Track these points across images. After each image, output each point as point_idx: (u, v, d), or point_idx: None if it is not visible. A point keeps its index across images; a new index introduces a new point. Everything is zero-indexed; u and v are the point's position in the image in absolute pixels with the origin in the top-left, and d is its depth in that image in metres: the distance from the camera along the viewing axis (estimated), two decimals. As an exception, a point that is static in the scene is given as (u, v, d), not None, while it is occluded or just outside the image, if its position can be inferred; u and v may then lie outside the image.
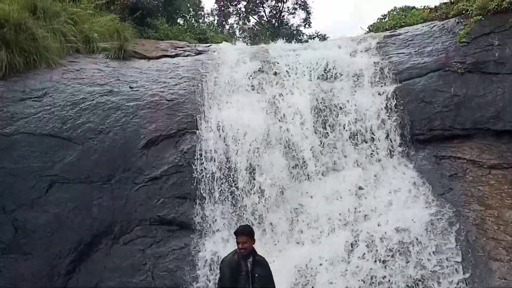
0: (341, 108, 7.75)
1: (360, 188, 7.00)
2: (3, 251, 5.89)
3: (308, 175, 7.24)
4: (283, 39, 10.63)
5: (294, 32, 23.78)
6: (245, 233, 4.92)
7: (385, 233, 6.29)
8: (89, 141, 6.96)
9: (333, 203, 6.92)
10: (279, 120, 7.68)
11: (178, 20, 16.45)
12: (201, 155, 7.04)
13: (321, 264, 6.12)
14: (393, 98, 7.70)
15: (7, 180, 6.33)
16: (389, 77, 8.04)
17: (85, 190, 6.59)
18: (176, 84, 8.16)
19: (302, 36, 23.49)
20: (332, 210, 6.80)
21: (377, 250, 6.12)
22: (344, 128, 7.56)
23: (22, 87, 7.44)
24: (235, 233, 4.99)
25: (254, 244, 4.95)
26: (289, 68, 8.48)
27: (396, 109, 7.60)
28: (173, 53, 9.67)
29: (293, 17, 24.68)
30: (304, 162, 7.30)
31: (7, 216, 6.12)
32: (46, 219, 6.19)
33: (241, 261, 4.82)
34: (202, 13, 22.85)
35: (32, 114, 7.04)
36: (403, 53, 8.47)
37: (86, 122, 7.14)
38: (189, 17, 19.35)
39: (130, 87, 7.93)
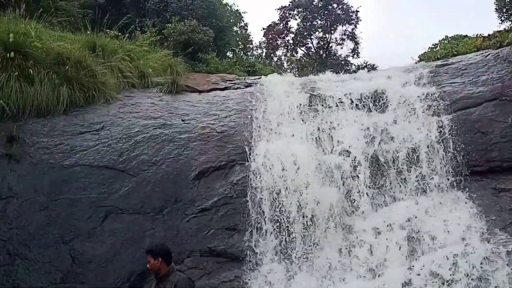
0: (392, 139, 7.62)
1: (414, 220, 6.79)
2: (60, 280, 6.09)
3: (359, 207, 7.10)
4: (331, 70, 10.61)
5: (342, 62, 23.78)
6: (146, 252, 4.81)
7: (441, 267, 6.04)
8: (143, 172, 7.17)
9: (386, 236, 6.74)
10: (328, 152, 7.64)
11: (228, 54, 16.88)
12: (250, 186, 7.09)
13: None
14: (447, 129, 7.51)
15: (66, 210, 6.60)
16: (443, 107, 7.86)
17: (138, 220, 6.76)
18: (226, 117, 8.31)
19: (351, 66, 23.44)
20: (386, 243, 6.63)
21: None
22: (396, 159, 7.41)
23: (82, 121, 7.81)
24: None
25: (161, 265, 4.67)
26: (338, 99, 8.45)
27: (451, 140, 7.39)
28: (223, 86, 9.89)
29: (341, 48, 24.72)
30: (355, 194, 7.18)
31: (65, 246, 6.35)
32: (102, 249, 6.38)
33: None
34: (251, 46, 23.36)
35: (90, 147, 7.35)
36: (457, 82, 8.27)
37: (141, 154, 7.37)
38: (238, 50, 19.81)
39: (182, 120, 8.16)
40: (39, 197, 6.67)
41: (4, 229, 6.34)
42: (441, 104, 7.90)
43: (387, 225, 6.83)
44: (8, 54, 7.66)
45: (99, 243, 6.43)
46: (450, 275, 5.93)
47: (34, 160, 7.00)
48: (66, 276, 6.14)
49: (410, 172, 7.31)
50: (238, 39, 19.97)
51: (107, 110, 8.20)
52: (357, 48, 24.21)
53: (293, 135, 7.89)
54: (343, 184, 7.27)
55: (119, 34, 10.62)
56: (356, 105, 8.29)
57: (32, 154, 7.05)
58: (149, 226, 6.70)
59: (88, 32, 9.71)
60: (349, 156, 7.53)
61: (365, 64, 22.92)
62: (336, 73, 10.19)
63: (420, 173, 7.28)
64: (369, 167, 7.40)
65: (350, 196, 7.20)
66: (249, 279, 6.36)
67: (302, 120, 8.27)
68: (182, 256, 6.51)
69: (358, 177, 7.30)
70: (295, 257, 6.66)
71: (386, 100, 8.23)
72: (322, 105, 8.43)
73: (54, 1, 11.47)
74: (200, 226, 6.75)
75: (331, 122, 8.07)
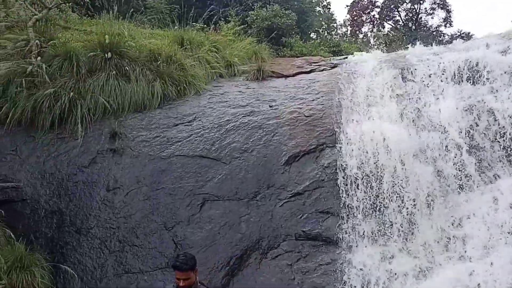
0: (493, 113, 7.08)
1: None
2: (166, 264, 6.46)
3: (459, 187, 6.73)
4: (422, 43, 10.07)
5: (434, 33, 22.50)
6: (186, 269, 4.19)
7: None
8: (235, 160, 7.35)
9: (489, 215, 6.33)
10: (422, 130, 7.29)
11: (312, 35, 16.69)
12: (342, 169, 6.99)
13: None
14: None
15: (167, 199, 6.97)
16: (551, 74, 7.14)
17: (233, 206, 6.95)
18: (313, 100, 8.24)
19: (443, 37, 22.12)
20: (490, 222, 6.24)
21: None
22: (498, 135, 6.89)
23: (175, 114, 8.17)
24: (173, 267, 4.27)
25: (197, 274, 4.27)
26: (431, 73, 8.01)
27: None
28: (309, 69, 9.81)
29: (432, 18, 23.39)
30: (452, 172, 6.81)
31: (168, 233, 6.72)
32: (201, 235, 6.66)
33: None
34: (335, 25, 22.87)
35: (184, 138, 7.68)
36: None
37: (232, 142, 7.56)
38: (322, 31, 19.50)
39: (270, 106, 8.22)
40: (142, 188, 7.10)
41: (113, 218, 6.85)
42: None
43: (490, 204, 6.41)
44: (105, 55, 8.20)
45: (198, 229, 6.72)
46: None
47: (135, 153, 7.46)
48: (171, 261, 6.50)
49: (515, 147, 6.77)
50: (321, 19, 19.66)
51: (198, 101, 8.50)
52: (449, 16, 22.81)
53: (384, 115, 7.63)
54: (439, 163, 6.91)
55: (205, 26, 10.96)
56: (452, 78, 7.79)
57: (133, 148, 7.51)
58: (244, 212, 6.87)
59: (176, 27, 10.11)
60: (444, 133, 7.13)
61: (459, 33, 21.51)
62: (428, 46, 9.64)
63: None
64: (466, 144, 6.96)
65: (447, 174, 6.83)
66: (346, 262, 6.32)
67: (393, 98, 7.94)
68: (278, 240, 6.61)
69: (455, 155, 6.90)
70: (391, 239, 6.49)
71: (485, 71, 7.63)
72: (414, 81, 8.04)
73: (143, 0, 12.08)
74: (293, 210, 6.80)
75: (424, 99, 7.67)
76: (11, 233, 6.48)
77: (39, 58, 7.94)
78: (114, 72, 8.09)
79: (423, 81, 7.97)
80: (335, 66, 9.58)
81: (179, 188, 7.06)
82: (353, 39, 22.90)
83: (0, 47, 8.01)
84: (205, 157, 7.39)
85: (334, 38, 18.26)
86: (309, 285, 6.17)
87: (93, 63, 8.20)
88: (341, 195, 6.79)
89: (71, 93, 7.61)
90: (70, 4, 10.58)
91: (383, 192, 6.72)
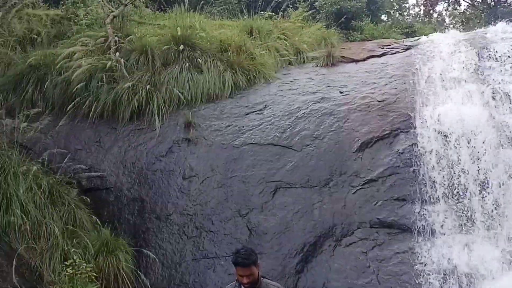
0: None
1: None
2: (241, 250, 6.62)
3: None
4: (503, 20, 9.44)
5: (517, 8, 20.95)
6: (248, 265, 3.91)
7: None
8: (306, 147, 7.33)
9: None
10: (504, 112, 6.88)
11: (382, 17, 16.17)
12: (418, 155, 6.77)
13: None
14: None
15: (240, 186, 7.11)
16: None
17: (305, 194, 6.96)
18: (386, 84, 8.02)
19: (529, 12, 20.53)
20: None
21: None
22: None
23: (246, 103, 8.27)
24: (234, 263, 4.00)
25: (259, 269, 4.01)
26: (515, 52, 7.52)
27: None
28: (380, 52, 9.54)
29: (515, -8, 21.76)
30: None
31: (242, 219, 6.86)
32: (274, 222, 6.74)
33: None
34: (407, 5, 21.95)
35: (255, 126, 7.77)
36: None
37: (302, 129, 7.54)
38: (393, 12, 18.82)
39: (341, 92, 8.10)
40: (216, 176, 7.29)
41: (190, 205, 7.10)
42: None
43: None
44: (178, 48, 8.45)
45: (271, 216, 6.81)
46: None
47: (209, 142, 7.66)
48: (245, 247, 6.64)
49: None
50: (392, 0, 18.94)
51: (268, 89, 8.54)
52: (535, -11, 21.06)
53: (462, 97, 7.27)
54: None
55: (273, 14, 10.95)
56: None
57: (206, 137, 7.72)
58: (317, 199, 6.86)
59: (244, 16, 10.20)
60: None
61: (545, 7, 19.84)
62: (510, 23, 9.03)
63: None
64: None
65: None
66: (424, 251, 6.14)
67: (472, 80, 7.55)
68: (351, 227, 6.55)
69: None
70: (473, 227, 6.22)
71: None
72: (496, 61, 7.58)
73: (213, -9, 12.30)
74: (367, 197, 6.69)
75: (506, 80, 7.23)
76: (97, 219, 6.92)
77: (117, 53, 8.35)
78: (187, 64, 8.34)
79: (505, 61, 7.49)
80: (408, 48, 9.24)
81: (251, 175, 7.17)
82: (427, 19, 21.89)
83: (82, 44, 8.48)
84: (276, 145, 7.44)
85: (406, 19, 17.60)
86: (385, 274, 6.07)
87: (167, 56, 8.50)
88: (418, 181, 6.58)
89: (148, 86, 7.94)
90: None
91: (464, 178, 6.43)
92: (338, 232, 6.56)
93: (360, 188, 6.81)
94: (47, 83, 8.03)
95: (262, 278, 4.06)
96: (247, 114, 8.05)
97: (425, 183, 6.56)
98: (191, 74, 8.28)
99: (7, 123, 6.96)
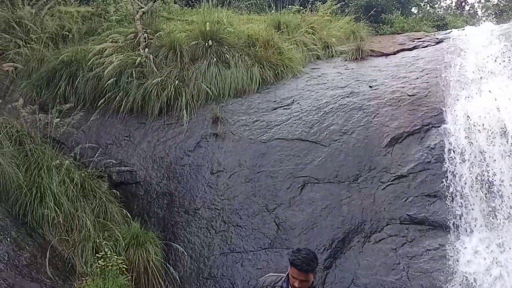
0: None
1: None
2: (269, 245, 6.62)
3: None
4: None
5: (553, -1, 20.24)
6: (306, 271, 3.64)
7: None
8: (335, 142, 7.26)
9: None
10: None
11: (413, 10, 15.86)
12: (450, 150, 6.62)
13: None
14: None
15: (268, 181, 7.09)
16: None
17: (334, 189, 6.89)
18: (417, 78, 7.86)
19: None
20: None
21: None
22: None
23: (274, 97, 8.25)
24: (291, 264, 3.71)
25: (315, 278, 3.80)
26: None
27: None
28: (411, 46, 9.37)
29: (551, -18, 21.00)
30: None
31: (270, 214, 6.85)
32: (302, 217, 6.71)
33: None
34: (438, -3, 21.43)
35: (283, 121, 7.73)
36: None
37: (331, 124, 7.47)
38: (424, 4, 18.40)
39: (370, 86, 7.99)
40: (243, 170, 7.30)
41: (218, 200, 7.14)
42: None
43: None
44: (206, 43, 8.49)
45: (299, 211, 6.78)
46: None
47: (236, 137, 7.67)
48: (273, 242, 6.64)
49: None
50: (423, -8, 18.54)
51: (296, 84, 8.49)
52: None
53: (496, 91, 7.07)
54: None
55: (301, 8, 10.86)
56: None
57: (234, 132, 7.74)
58: (345, 195, 6.79)
59: (272, 11, 10.15)
60: None
61: None
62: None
63: None
64: None
65: None
66: (455, 248, 6.02)
67: (506, 74, 7.34)
68: (381, 223, 6.47)
69: None
70: (507, 225, 6.05)
71: None
72: (532, 54, 7.35)
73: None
74: (397, 193, 6.58)
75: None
76: (127, 213, 7.04)
77: (146, 49, 8.44)
78: (214, 59, 8.37)
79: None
80: (440, 41, 9.05)
81: (279, 170, 7.15)
82: (458, 11, 21.35)
83: (112, 41, 8.60)
84: (304, 140, 7.39)
85: (438, 11, 17.18)
86: (416, 270, 5.97)
87: (195, 52, 8.55)
88: (450, 177, 6.44)
89: (176, 81, 8.01)
90: (172, -5, 11.08)
91: (498, 175, 6.26)
92: (367, 228, 6.49)
93: (390, 184, 6.71)
94: (78, 79, 8.18)
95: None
96: (275, 109, 8.03)
97: (457, 179, 6.41)
98: (219, 69, 8.31)
99: (41, 118, 7.13)
